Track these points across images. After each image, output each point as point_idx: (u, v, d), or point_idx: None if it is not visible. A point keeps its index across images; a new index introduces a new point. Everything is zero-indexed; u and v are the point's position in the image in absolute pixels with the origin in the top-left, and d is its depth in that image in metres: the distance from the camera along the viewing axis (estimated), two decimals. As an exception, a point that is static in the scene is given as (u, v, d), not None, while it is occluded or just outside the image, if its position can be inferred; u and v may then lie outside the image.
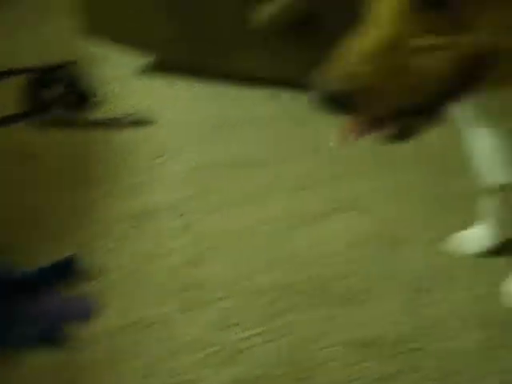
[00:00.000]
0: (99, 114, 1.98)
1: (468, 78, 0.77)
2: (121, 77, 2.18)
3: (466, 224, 1.52)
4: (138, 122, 1.91)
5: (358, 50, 0.74)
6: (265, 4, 1.93)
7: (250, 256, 1.47)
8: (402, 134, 0.81)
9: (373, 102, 0.74)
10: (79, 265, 1.42)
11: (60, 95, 2.02)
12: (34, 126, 1.96)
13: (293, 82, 2.07)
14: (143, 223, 1.56)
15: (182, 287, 1.41)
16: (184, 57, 2.12)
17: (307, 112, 1.93)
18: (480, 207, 1.44)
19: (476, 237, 1.47)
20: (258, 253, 1.48)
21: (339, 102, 0.73)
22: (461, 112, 0.95)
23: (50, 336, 1.32)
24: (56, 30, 2.42)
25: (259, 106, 2.02)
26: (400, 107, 0.77)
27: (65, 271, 1.41)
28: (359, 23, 0.78)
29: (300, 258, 1.46)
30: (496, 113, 0.92)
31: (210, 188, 1.67)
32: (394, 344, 1.26)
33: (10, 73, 2.12)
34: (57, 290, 1.38)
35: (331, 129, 1.77)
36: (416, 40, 0.73)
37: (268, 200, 1.64)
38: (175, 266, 1.45)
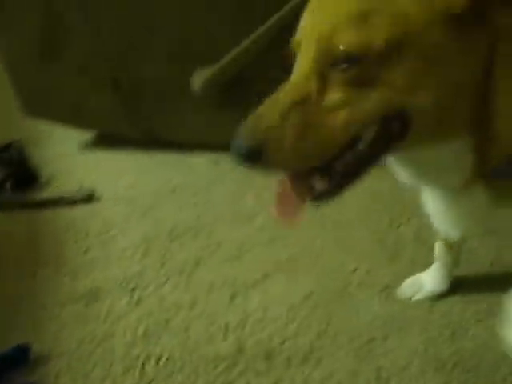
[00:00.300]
0: (47, 193, 1.97)
1: (387, 138, 0.80)
2: (66, 153, 2.19)
3: (413, 270, 1.56)
4: (85, 198, 1.91)
5: (273, 107, 0.78)
6: (200, 70, 1.98)
7: (200, 325, 1.47)
8: (325, 194, 0.83)
9: (284, 156, 0.76)
10: (29, 353, 1.39)
11: (7, 176, 2.01)
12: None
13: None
14: (94, 302, 1.54)
15: (139, 363, 1.39)
16: (126, 129, 2.14)
17: (247, 176, 2.00)
18: (427, 252, 1.48)
19: (428, 280, 1.51)
20: (209, 321, 1.48)
21: (253, 156, 0.76)
22: (399, 169, 0.97)
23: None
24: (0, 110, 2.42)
25: (201, 172, 2.05)
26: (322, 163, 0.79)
27: (14, 360, 1.38)
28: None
29: (249, 322, 1.46)
30: (427, 171, 0.94)
31: (158, 259, 1.67)
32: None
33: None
34: (6, 379, 1.34)
35: (269, 192, 1.85)
36: (327, 97, 0.76)
37: (211, 267, 1.65)
38: (130, 342, 1.43)
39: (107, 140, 2.24)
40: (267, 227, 1.78)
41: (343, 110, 0.76)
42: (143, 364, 1.38)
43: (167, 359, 1.39)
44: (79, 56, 2.07)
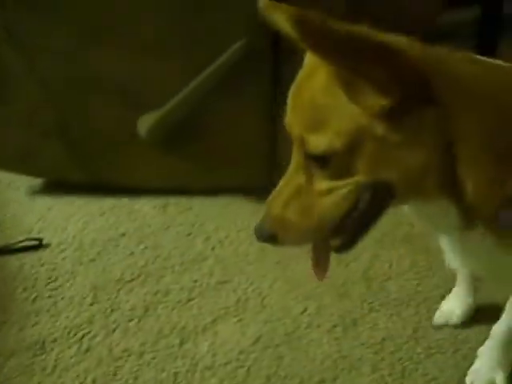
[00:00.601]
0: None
1: (380, 199, 0.94)
2: (14, 199, 2.16)
3: (363, 307, 1.58)
4: (33, 246, 1.88)
5: (277, 197, 0.95)
6: (146, 115, 2.00)
7: (150, 373, 1.46)
8: (342, 248, 1.00)
9: (292, 235, 0.95)
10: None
11: None
12: None
13: (181, 191, 2.13)
14: (42, 352, 1.52)
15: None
16: (74, 174, 2.13)
17: (195, 220, 2.01)
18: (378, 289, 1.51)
19: (456, 306, 1.55)
20: (158, 368, 1.47)
21: (271, 239, 0.96)
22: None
23: None
24: None
25: (149, 217, 2.05)
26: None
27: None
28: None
29: (199, 369, 1.46)
30: (425, 217, 1.06)
31: (107, 306, 1.65)
32: None
33: None
34: None
35: (218, 236, 1.86)
36: (315, 187, 0.92)
37: (160, 313, 1.64)
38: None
39: (56, 186, 2.23)
40: (215, 271, 1.78)
41: (331, 194, 0.91)
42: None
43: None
44: (26, 104, 2.06)
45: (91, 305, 1.67)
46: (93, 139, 2.09)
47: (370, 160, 0.87)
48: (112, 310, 1.64)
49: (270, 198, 0.97)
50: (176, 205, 2.11)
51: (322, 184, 0.92)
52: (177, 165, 2.10)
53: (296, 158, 0.95)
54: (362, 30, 0.83)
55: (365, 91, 0.83)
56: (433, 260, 1.78)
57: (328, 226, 0.94)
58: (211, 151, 2.09)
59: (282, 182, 0.97)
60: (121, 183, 2.16)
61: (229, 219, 2.02)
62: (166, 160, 2.09)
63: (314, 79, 0.90)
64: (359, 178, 0.89)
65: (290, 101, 0.96)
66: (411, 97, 0.84)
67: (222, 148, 2.07)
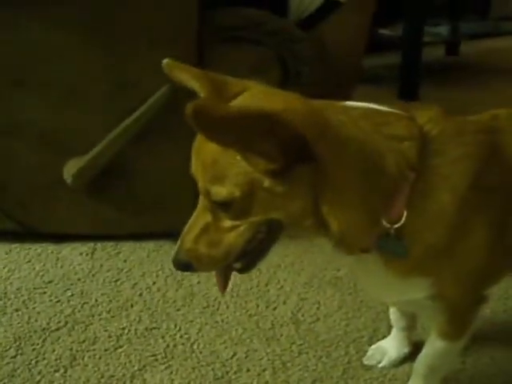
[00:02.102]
0: None
1: (269, 236, 1.11)
2: None
3: (292, 350, 1.59)
4: None
5: (188, 233, 1.10)
6: (71, 160, 1.98)
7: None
8: (244, 270, 1.16)
9: (205, 264, 1.11)
10: None
11: None
12: None
13: (108, 236, 2.11)
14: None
15: None
16: (1, 222, 2.08)
17: (123, 266, 1.99)
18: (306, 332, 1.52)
19: (389, 347, 1.59)
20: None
21: (186, 268, 1.12)
22: None
23: None
24: None
25: (76, 263, 2.01)
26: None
27: None
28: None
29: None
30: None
31: (31, 357, 1.61)
32: None
33: None
34: None
35: (146, 281, 1.85)
36: (220, 225, 1.08)
37: (88, 362, 1.61)
38: None
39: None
40: (143, 318, 1.76)
41: (234, 230, 1.07)
42: None
43: None
44: None
45: (14, 357, 1.61)
46: (17, 185, 2.06)
47: (261, 205, 1.03)
48: (37, 362, 1.60)
49: (183, 232, 1.11)
50: (103, 250, 2.09)
51: (225, 223, 1.07)
52: (103, 210, 2.08)
53: (202, 202, 1.09)
54: (240, 106, 1.04)
55: (255, 159, 0.99)
56: (360, 301, 1.81)
57: (233, 255, 1.10)
58: (137, 196, 2.08)
59: (192, 220, 1.11)
60: (46, 229, 2.12)
61: (156, 264, 2.01)
62: (92, 205, 2.06)
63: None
64: (255, 217, 1.05)
65: (193, 156, 1.10)
66: (292, 159, 0.99)
67: (148, 193, 2.07)
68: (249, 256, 1.13)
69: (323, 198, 1.03)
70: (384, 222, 1.08)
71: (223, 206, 1.05)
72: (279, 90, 1.13)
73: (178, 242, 1.11)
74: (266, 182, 1.01)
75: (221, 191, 1.03)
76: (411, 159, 1.08)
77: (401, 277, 1.17)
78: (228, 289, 1.18)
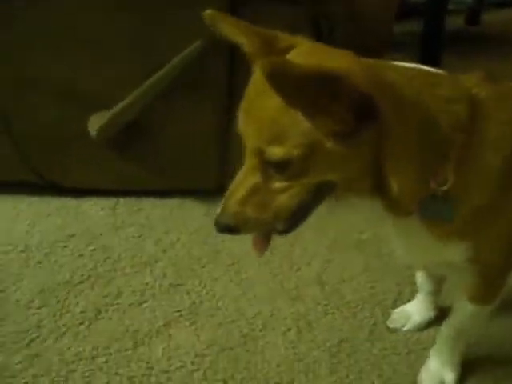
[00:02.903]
0: None
1: (317, 198, 1.07)
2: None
3: (316, 310, 1.58)
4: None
5: (234, 195, 1.05)
6: (96, 114, 1.95)
7: (103, 378, 1.42)
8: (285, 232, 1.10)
9: (250, 226, 1.06)
10: None
11: None
12: None
13: (131, 192, 2.09)
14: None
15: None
16: (20, 174, 2.07)
17: (146, 222, 1.98)
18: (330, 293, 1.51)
19: (414, 311, 1.59)
20: (112, 373, 1.43)
21: (231, 230, 1.06)
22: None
23: None
24: None
25: (98, 218, 2.00)
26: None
27: None
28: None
29: (154, 373, 1.43)
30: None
31: (56, 310, 1.60)
32: None
33: None
34: None
35: (170, 238, 1.84)
36: (271, 186, 1.03)
37: (112, 316, 1.61)
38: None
39: (1, 185, 2.15)
40: (168, 274, 1.75)
41: (286, 192, 1.03)
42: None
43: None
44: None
45: (39, 308, 1.61)
46: (39, 139, 2.03)
47: (320, 166, 1.01)
48: (61, 314, 1.60)
49: (227, 194, 1.06)
50: (125, 206, 2.07)
51: (277, 184, 1.03)
52: (126, 166, 2.06)
53: (251, 162, 1.04)
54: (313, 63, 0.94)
55: (321, 120, 0.95)
56: (385, 264, 1.79)
57: (281, 217, 1.06)
58: (161, 153, 2.06)
59: (237, 180, 1.06)
60: (68, 184, 2.10)
61: (179, 221, 2.00)
62: (116, 161, 2.04)
63: (269, 98, 0.96)
64: (310, 179, 1.02)
65: (243, 114, 1.05)
66: (358, 120, 0.96)
67: (172, 150, 2.05)
68: (293, 218, 1.08)
69: (385, 157, 1.01)
70: (432, 184, 1.08)
71: (278, 167, 1.01)
72: (330, 47, 1.09)
73: (222, 204, 1.07)
74: (329, 144, 0.98)
75: (278, 152, 0.99)
76: (462, 121, 1.07)
77: (440, 240, 1.16)
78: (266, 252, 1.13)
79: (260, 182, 1.04)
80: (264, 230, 1.10)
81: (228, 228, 1.06)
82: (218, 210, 1.06)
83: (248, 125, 1.04)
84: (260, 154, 1.02)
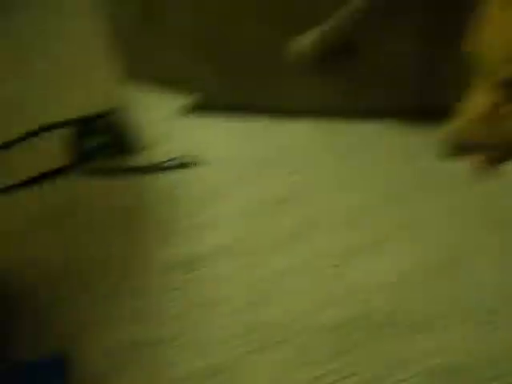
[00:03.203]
0: (144, 160, 1.97)
1: None
2: (163, 119, 2.17)
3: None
4: (184, 165, 1.90)
5: (467, 114, 0.98)
6: (300, 34, 1.92)
7: (308, 294, 1.45)
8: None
9: (478, 149, 1.00)
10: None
11: (103, 144, 2.03)
12: (79, 177, 1.96)
13: (333, 113, 2.06)
14: (198, 269, 1.54)
15: (246, 331, 1.38)
16: (223, 95, 2.11)
17: (350, 141, 1.94)
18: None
19: None
20: (316, 290, 1.46)
21: (460, 149, 1.00)
22: None
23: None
24: (94, 78, 2.42)
25: (303, 138, 2.00)
26: None
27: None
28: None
29: (358, 291, 1.44)
30: None
31: (264, 226, 1.64)
32: (470, 371, 1.23)
33: (52, 127, 2.15)
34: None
35: (381, 157, 1.79)
36: (505, 108, 0.95)
37: (319, 233, 1.62)
38: (235, 310, 1.43)
39: (205, 106, 2.22)
40: (380, 192, 1.73)
41: None
42: (250, 331, 1.37)
43: (274, 328, 1.37)
44: (179, 27, 2.04)
45: (247, 223, 1.67)
46: (243, 62, 2.05)
47: None
48: (269, 230, 1.64)
49: (459, 114, 1.00)
50: (329, 128, 2.05)
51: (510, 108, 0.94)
52: (329, 85, 2.02)
53: (487, 83, 0.96)
54: None
55: None
56: None
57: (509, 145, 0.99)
58: (366, 71, 1.99)
59: (470, 101, 0.99)
60: (272, 105, 2.12)
61: (387, 143, 1.93)
62: (318, 81, 2.01)
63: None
64: None
65: (487, 30, 0.95)
66: None
67: (378, 67, 1.97)
68: None
69: None
70: None
71: None
72: None
73: (451, 125, 1.02)
74: None
75: None
76: None
77: None
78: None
79: (491, 104, 0.97)
80: (490, 154, 1.03)
81: (457, 148, 1.02)
82: (445, 131, 1.02)
83: (492, 41, 0.96)
84: (497, 73, 0.94)
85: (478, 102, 0.98)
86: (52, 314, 1.52)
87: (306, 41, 1.89)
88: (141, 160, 1.98)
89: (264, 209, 1.70)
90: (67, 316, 1.50)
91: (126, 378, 1.34)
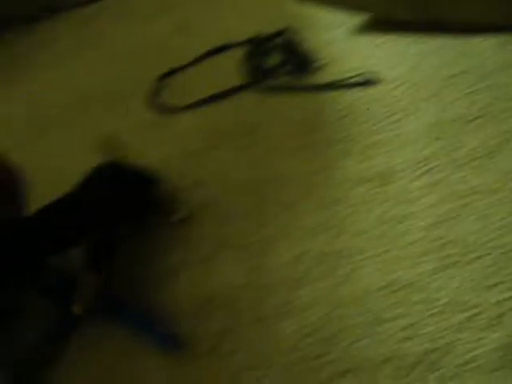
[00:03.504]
0: (322, 78, 1.95)
1: None
2: (339, 38, 2.13)
3: None
4: (363, 83, 1.85)
5: None
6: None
7: (499, 213, 1.37)
8: None
9: None
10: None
11: (280, 62, 2.03)
12: (257, 95, 1.98)
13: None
14: (384, 184, 1.51)
15: (434, 248, 1.35)
16: (400, 11, 2.03)
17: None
18: None
19: None
20: (508, 209, 1.37)
21: None
22: None
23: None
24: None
25: (486, 55, 1.88)
26: None
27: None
28: None
29: None
30: None
31: (449, 144, 1.58)
32: None
33: (229, 46, 2.17)
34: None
35: None
36: None
37: (507, 156, 1.52)
38: (424, 226, 1.40)
39: (381, 23, 2.14)
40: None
41: None
42: (441, 248, 1.33)
43: (463, 245, 1.32)
44: None
45: (432, 142, 1.61)
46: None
47: None
48: (454, 148, 1.57)
49: None
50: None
51: None
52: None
53: None
54: None
55: None
56: None
57: None
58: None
59: None
60: (452, 19, 2.00)
61: None
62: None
63: None
64: None
65: None
66: None
67: None
68: None
69: None
70: None
71: None
72: None
73: None
74: None
75: None
76: None
77: None
78: None
79: None
80: None
81: None
82: None
83: None
84: None
85: None
86: (234, 226, 1.56)
87: None
88: (319, 78, 1.96)
89: (448, 128, 1.63)
90: (248, 229, 1.53)
91: (311, 285, 1.36)
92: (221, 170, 1.75)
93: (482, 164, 1.50)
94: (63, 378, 1.39)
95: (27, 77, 2.73)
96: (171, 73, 2.24)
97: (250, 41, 2.17)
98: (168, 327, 1.37)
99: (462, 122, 1.64)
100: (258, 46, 2.12)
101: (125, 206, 1.53)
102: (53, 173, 1.94)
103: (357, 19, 2.18)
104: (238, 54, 2.13)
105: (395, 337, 1.21)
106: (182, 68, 2.22)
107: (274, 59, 2.07)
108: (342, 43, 2.11)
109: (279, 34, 2.17)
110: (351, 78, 1.88)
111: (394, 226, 1.41)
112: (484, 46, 1.93)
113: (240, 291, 1.41)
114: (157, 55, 2.41)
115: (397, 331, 1.22)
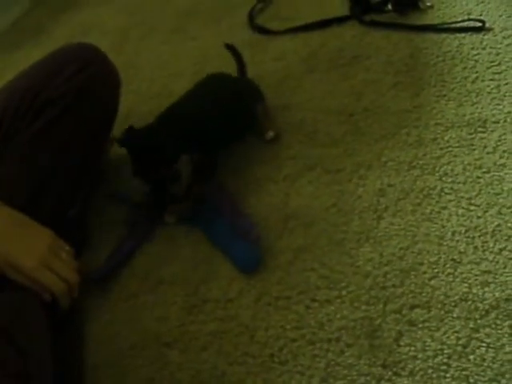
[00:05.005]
0: (426, 19, 1.91)
1: None
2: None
3: None
4: (470, 28, 1.81)
5: None
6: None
7: None
8: None
9: None
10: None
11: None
12: (359, 28, 1.96)
13: None
14: (481, 131, 1.49)
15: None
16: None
17: None
18: None
19: None
20: None
21: None
22: None
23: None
24: None
25: None
26: None
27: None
28: None
29: None
30: None
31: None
32: None
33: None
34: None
35: None
36: None
37: None
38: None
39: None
40: None
41: None
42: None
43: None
44: None
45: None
46: None
47: None
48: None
49: None
50: None
51: None
52: None
53: None
54: None
55: None
56: None
57: None
58: None
59: None
60: None
61: None
62: None
63: None
64: None
65: None
66: None
67: None
68: None
69: None
70: None
71: None
72: None
73: None
74: None
75: None
76: None
77: None
78: None
79: None
80: None
81: None
82: None
83: None
84: None
85: None
86: (323, 151, 1.57)
87: None
88: (423, 19, 1.92)
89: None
90: (336, 155, 1.55)
91: (393, 218, 1.38)
92: (315, 96, 1.75)
93: None
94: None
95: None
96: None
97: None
98: (249, 244, 1.40)
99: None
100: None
101: (236, 121, 1.55)
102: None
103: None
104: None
105: (473, 280, 1.21)
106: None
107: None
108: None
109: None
110: (458, 22, 1.84)
111: (487, 174, 1.39)
112: None
113: (321, 213, 1.43)
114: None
115: (476, 275, 1.22)
